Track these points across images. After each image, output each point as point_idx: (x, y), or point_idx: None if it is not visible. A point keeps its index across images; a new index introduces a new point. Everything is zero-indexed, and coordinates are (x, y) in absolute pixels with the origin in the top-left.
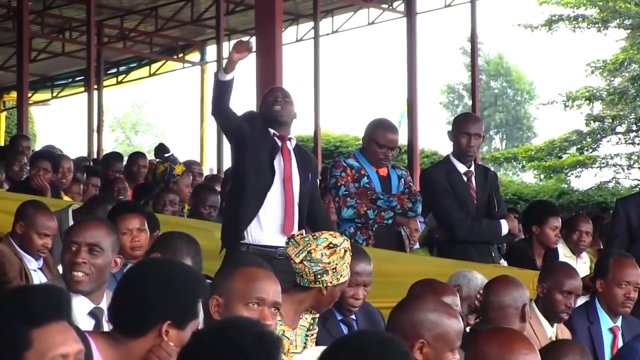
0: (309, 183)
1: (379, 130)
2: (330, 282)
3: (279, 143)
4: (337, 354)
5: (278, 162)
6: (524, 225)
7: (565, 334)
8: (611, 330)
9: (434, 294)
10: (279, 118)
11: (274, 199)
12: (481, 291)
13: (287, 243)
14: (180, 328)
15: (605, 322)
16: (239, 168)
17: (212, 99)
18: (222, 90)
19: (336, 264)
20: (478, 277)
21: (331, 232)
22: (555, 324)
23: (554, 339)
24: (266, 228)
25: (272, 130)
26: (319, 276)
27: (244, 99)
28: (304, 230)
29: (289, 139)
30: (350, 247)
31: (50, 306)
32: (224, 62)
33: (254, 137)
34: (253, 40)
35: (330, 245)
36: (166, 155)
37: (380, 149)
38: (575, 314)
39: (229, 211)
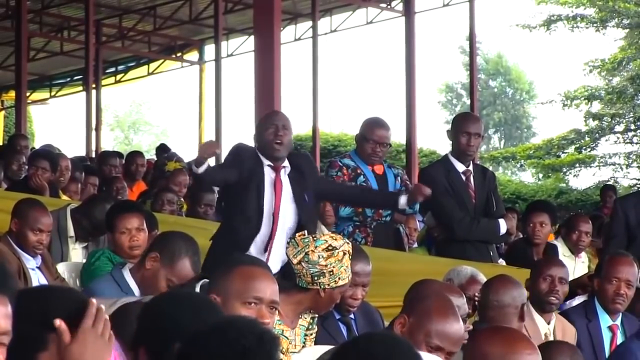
0: (308, 202)
1: (369, 126)
2: (328, 285)
3: (272, 175)
4: (345, 356)
5: (269, 196)
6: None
7: (567, 328)
8: (610, 328)
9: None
10: (276, 154)
11: (263, 234)
12: (471, 280)
13: (288, 243)
14: None
15: (605, 320)
16: (228, 207)
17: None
18: (203, 177)
19: (333, 267)
20: (468, 268)
21: (332, 235)
22: (554, 320)
23: (551, 334)
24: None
25: (266, 161)
26: (316, 278)
27: (242, 99)
28: (306, 231)
29: (284, 167)
30: (350, 250)
31: (69, 310)
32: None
33: (241, 179)
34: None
35: (329, 248)
36: (166, 154)
37: (370, 144)
38: (574, 311)
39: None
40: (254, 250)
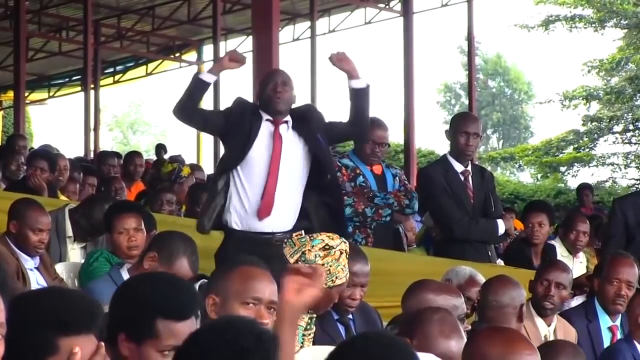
0: (322, 144)
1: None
2: (325, 284)
3: (271, 128)
4: (342, 357)
5: (263, 146)
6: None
7: (568, 330)
8: (610, 329)
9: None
10: (276, 107)
11: (257, 184)
12: (470, 280)
13: (284, 243)
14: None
15: (605, 321)
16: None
17: (184, 97)
18: (199, 90)
19: (330, 266)
20: (466, 268)
21: (329, 234)
22: (555, 322)
23: (551, 336)
24: (250, 213)
25: (265, 115)
26: None
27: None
28: (302, 231)
29: (286, 122)
30: (347, 249)
31: (82, 316)
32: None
33: (230, 128)
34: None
35: (326, 247)
36: (168, 155)
37: (368, 144)
38: (574, 312)
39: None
40: (255, 196)
